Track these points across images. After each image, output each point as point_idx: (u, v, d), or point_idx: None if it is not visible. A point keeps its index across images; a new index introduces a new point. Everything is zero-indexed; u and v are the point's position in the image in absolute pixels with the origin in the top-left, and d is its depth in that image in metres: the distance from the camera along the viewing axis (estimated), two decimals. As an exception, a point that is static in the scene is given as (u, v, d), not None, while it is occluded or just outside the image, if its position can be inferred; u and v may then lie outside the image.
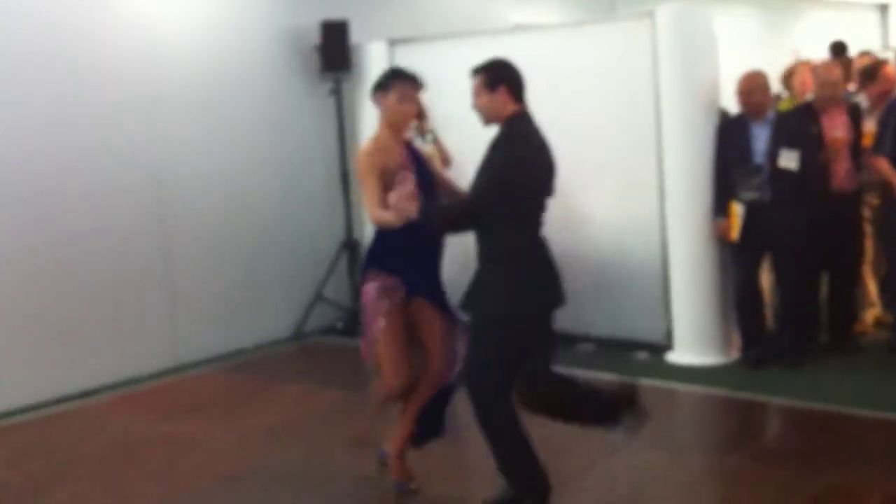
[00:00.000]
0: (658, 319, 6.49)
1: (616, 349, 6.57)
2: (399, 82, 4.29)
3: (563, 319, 6.83)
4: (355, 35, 7.55)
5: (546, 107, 6.72)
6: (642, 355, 6.43)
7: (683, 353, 6.23)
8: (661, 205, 6.35)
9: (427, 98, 7.15)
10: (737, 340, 6.21)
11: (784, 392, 5.53)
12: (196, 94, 6.92)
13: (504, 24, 9.24)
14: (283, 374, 6.67)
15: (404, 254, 4.23)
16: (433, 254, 4.43)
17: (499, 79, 3.97)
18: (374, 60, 7.59)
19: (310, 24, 7.46)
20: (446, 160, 7.20)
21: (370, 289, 4.22)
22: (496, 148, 3.91)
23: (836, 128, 6.04)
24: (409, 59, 7.56)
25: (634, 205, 6.55)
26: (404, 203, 3.86)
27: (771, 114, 5.96)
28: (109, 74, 6.40)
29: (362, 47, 7.65)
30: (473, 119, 7.06)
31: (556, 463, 4.63)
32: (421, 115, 7.14)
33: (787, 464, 4.53)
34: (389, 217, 3.95)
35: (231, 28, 7.18)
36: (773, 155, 5.79)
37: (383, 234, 4.21)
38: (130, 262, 6.50)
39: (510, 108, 3.98)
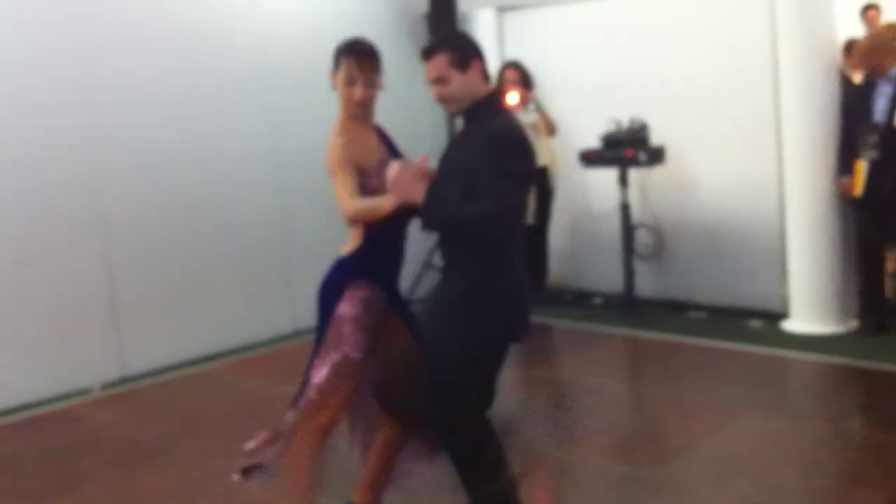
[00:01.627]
0: (774, 286, 6.38)
1: (729, 317, 6.49)
2: (346, 58, 3.31)
3: (675, 286, 6.89)
4: (463, 3, 7.55)
5: (659, 70, 6.74)
6: (756, 323, 6.34)
7: (800, 321, 6.11)
8: (779, 167, 6.22)
9: (533, 65, 7.21)
10: (856, 308, 6.07)
11: (907, 360, 5.40)
12: (305, 64, 6.98)
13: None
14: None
15: (387, 261, 3.45)
16: (400, 261, 3.54)
17: (470, 54, 3.17)
18: (482, 28, 7.60)
19: (419, -8, 7.51)
20: (551, 129, 7.19)
21: (352, 299, 3.34)
22: (496, 144, 3.06)
23: None
24: (517, 26, 7.59)
25: (751, 167, 6.44)
26: (409, 179, 3.07)
27: (894, 71, 5.76)
28: (222, 49, 6.55)
29: (470, 15, 7.66)
30: (582, 86, 7.14)
31: (678, 428, 4.65)
32: (526, 83, 7.14)
33: (913, 431, 4.44)
34: (381, 203, 3.13)
35: (340, 6, 7.24)
36: (890, 113, 5.62)
37: (370, 238, 3.34)
38: (251, 234, 6.70)
39: (483, 89, 3.21)
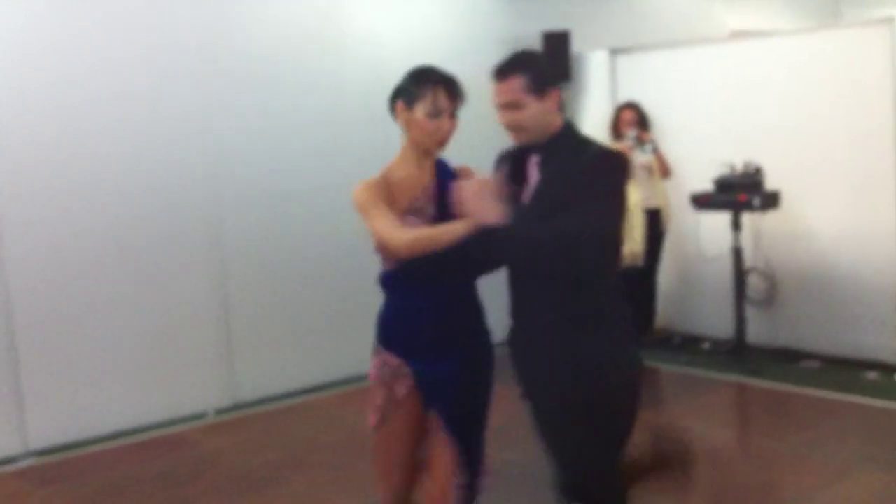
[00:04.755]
0: (891, 336, 6.18)
1: (843, 368, 6.32)
2: (430, 88, 3.00)
3: (787, 334, 6.73)
4: (576, 45, 7.60)
5: (774, 114, 6.64)
6: (872, 375, 6.15)
7: (919, 374, 5.93)
8: (897, 215, 6.06)
9: (649, 107, 7.19)
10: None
11: None
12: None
13: (723, 30, 9.08)
14: (500, 377, 6.78)
15: (421, 325, 3.11)
16: (472, 331, 3.33)
17: (549, 79, 2.89)
18: (595, 70, 7.64)
19: (531, 34, 7.56)
20: (666, 171, 7.15)
21: (372, 366, 3.16)
22: (601, 164, 2.84)
23: None
24: (629, 68, 7.59)
25: (868, 214, 6.28)
26: (484, 197, 2.62)
27: None
28: (339, 85, 6.72)
29: (583, 57, 7.70)
30: (694, 129, 7.09)
31: (787, 482, 4.54)
32: (643, 124, 7.13)
33: None
34: (447, 230, 2.73)
35: (453, 41, 7.31)
36: None
37: (400, 287, 3.18)
38: (363, 268, 6.79)
39: (558, 120, 2.93)
